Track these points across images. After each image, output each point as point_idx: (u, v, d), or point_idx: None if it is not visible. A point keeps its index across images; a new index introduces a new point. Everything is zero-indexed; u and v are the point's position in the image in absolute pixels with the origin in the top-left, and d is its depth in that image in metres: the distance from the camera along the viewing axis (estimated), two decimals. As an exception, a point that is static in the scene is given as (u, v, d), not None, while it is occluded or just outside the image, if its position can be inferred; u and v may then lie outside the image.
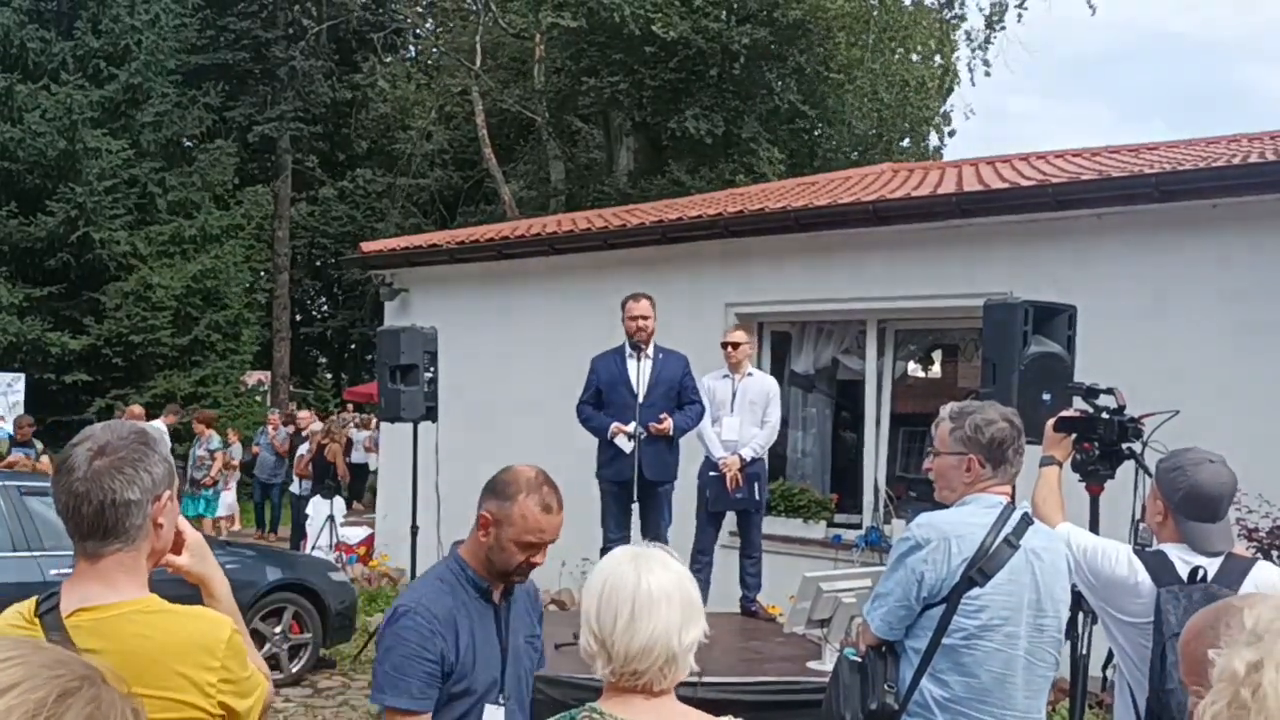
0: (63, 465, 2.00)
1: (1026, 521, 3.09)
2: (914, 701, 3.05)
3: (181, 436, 16.94)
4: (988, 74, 36.25)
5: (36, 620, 1.94)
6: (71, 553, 2.02)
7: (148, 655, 1.90)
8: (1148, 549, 3.28)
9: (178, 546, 2.14)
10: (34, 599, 2.00)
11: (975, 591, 2.98)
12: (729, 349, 7.53)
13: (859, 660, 3.17)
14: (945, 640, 3.00)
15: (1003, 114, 50.70)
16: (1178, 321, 7.56)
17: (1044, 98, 60.32)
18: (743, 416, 7.41)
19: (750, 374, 7.60)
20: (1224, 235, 7.48)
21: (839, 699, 3.16)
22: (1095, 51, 61.82)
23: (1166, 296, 7.65)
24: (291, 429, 15.74)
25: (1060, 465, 3.76)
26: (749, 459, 7.37)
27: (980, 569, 2.97)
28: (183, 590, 2.14)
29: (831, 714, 3.18)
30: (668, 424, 6.44)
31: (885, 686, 3.07)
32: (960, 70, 26.94)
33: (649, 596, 1.90)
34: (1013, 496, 3.16)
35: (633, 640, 1.88)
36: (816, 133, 24.22)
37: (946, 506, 3.20)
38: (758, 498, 7.47)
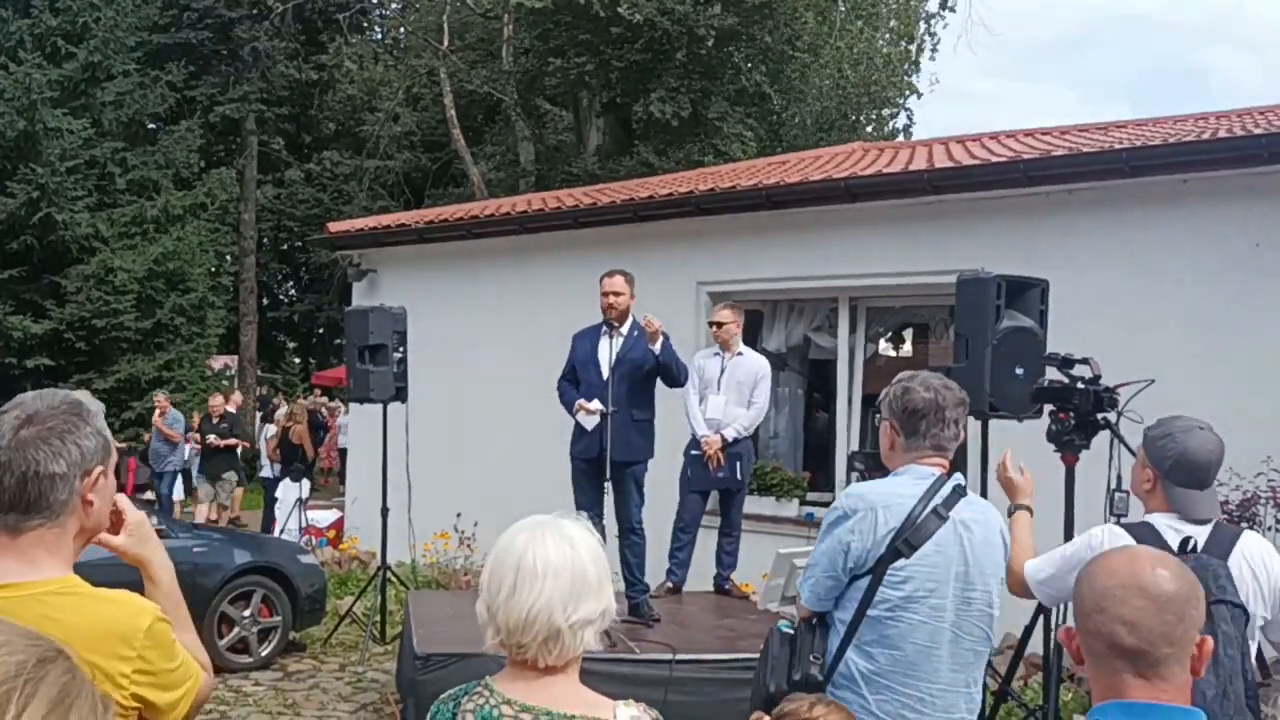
0: None
1: (959, 493, 3.03)
2: (839, 673, 3.01)
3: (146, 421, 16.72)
4: (934, 55, 36.40)
5: None
6: None
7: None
8: (1134, 521, 3.24)
9: (116, 526, 2.03)
10: None
11: (901, 563, 2.93)
12: (713, 327, 7.57)
13: (790, 632, 3.13)
14: (870, 612, 2.95)
15: (968, 97, 50.93)
16: (1149, 295, 7.59)
17: (1009, 81, 60.63)
18: (728, 395, 7.38)
19: (740, 353, 7.55)
20: (1194, 209, 7.50)
21: (766, 671, 3.11)
22: (1060, 34, 62.16)
23: (1137, 271, 7.67)
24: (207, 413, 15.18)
25: (1030, 511, 3.61)
26: (731, 439, 7.34)
27: (906, 540, 2.92)
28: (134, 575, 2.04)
29: (759, 686, 3.13)
30: (658, 324, 6.29)
31: (811, 658, 3.03)
32: (923, 48, 27.13)
33: (532, 569, 1.83)
34: (951, 468, 3.10)
35: (512, 612, 1.82)
36: (785, 113, 24.19)
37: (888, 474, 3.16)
38: (740, 477, 7.44)
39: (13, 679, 1.05)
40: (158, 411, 15.25)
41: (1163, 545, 3.00)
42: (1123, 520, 3.28)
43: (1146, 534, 3.08)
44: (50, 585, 1.84)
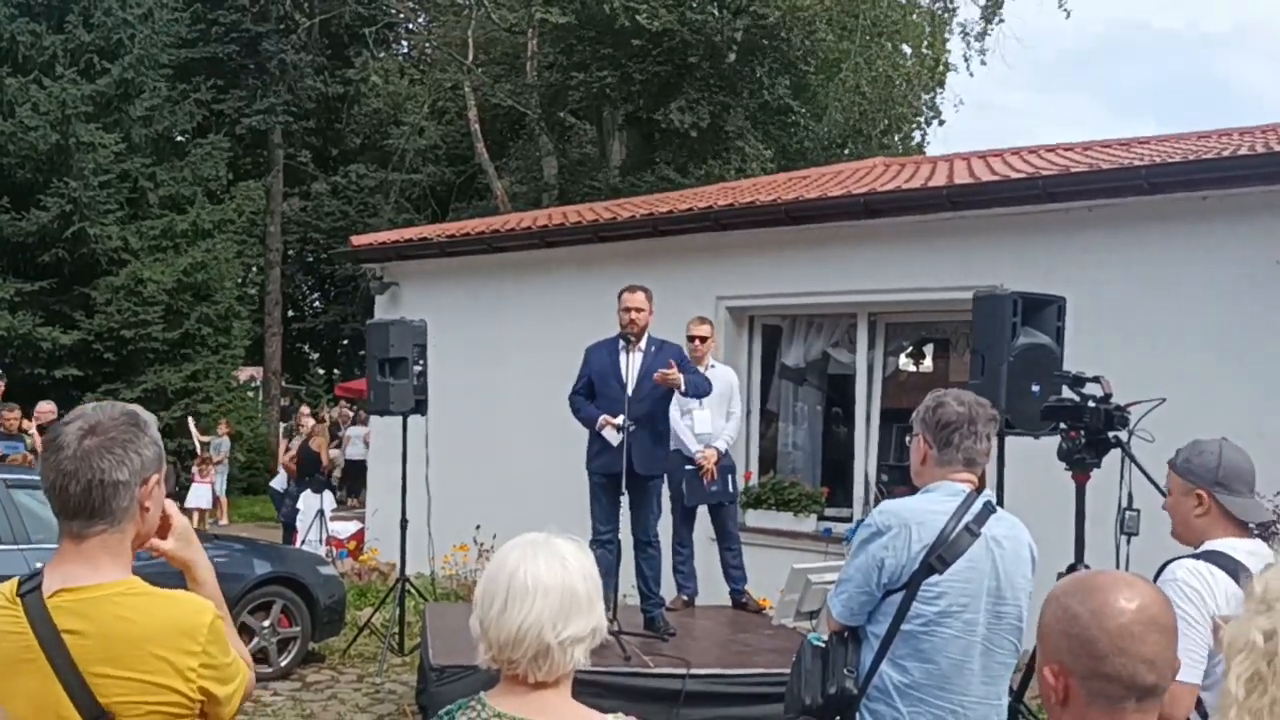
0: (52, 443, 1.98)
1: (989, 510, 3.08)
2: (873, 686, 3.06)
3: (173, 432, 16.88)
4: (983, 63, 36.38)
5: (18, 600, 1.94)
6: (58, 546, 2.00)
7: (127, 637, 1.89)
8: (1205, 550, 2.95)
9: (163, 530, 2.12)
10: (16, 579, 1.99)
11: (934, 578, 2.98)
12: (696, 342, 7.42)
13: (822, 645, 3.17)
14: (904, 626, 3.00)
15: (992, 108, 50.80)
16: (1167, 313, 7.57)
17: (1034, 92, 60.45)
18: (712, 409, 7.41)
19: (713, 366, 7.60)
20: (1213, 227, 7.48)
21: (800, 683, 3.16)
22: (1086, 47, 61.91)
23: (1156, 288, 7.65)
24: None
25: None
26: (724, 450, 7.39)
27: (940, 556, 2.97)
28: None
29: (793, 698, 3.18)
30: (674, 373, 6.33)
31: (845, 671, 3.08)
32: (954, 62, 27.13)
33: (522, 586, 1.86)
34: (980, 484, 3.14)
35: (503, 628, 1.86)
36: (803, 126, 24.23)
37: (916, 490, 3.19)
38: (731, 490, 7.53)
39: None
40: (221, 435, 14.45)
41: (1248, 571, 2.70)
42: (1193, 554, 2.94)
43: (1231, 566, 2.82)
44: (117, 587, 1.95)
